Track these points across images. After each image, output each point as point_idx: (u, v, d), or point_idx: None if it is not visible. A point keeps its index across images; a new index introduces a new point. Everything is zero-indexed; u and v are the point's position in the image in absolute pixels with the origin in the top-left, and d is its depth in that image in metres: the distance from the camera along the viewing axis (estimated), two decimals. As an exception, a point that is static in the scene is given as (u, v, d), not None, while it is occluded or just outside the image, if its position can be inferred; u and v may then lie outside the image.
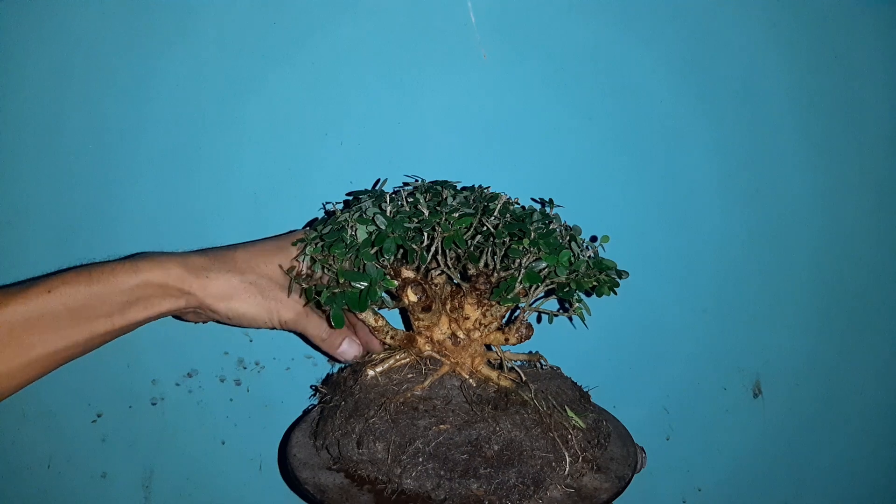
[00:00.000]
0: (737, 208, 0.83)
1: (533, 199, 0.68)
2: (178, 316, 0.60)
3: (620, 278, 0.58)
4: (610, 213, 0.80)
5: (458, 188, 0.64)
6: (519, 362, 0.65)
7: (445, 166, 0.71)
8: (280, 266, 0.59)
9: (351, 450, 0.56)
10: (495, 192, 0.62)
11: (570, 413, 0.57)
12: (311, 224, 0.69)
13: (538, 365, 0.66)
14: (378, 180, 0.66)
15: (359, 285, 0.54)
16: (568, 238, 0.58)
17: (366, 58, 0.72)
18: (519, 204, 0.62)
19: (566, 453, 0.54)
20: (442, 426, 0.54)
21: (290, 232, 0.65)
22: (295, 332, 0.62)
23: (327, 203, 0.65)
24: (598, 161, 0.79)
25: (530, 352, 0.66)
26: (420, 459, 0.53)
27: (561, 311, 0.60)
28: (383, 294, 0.58)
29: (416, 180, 0.65)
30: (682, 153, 0.80)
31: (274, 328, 0.60)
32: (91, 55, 0.68)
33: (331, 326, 0.58)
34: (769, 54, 0.80)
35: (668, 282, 0.83)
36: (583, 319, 0.57)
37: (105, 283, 0.53)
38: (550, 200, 0.62)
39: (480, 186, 0.64)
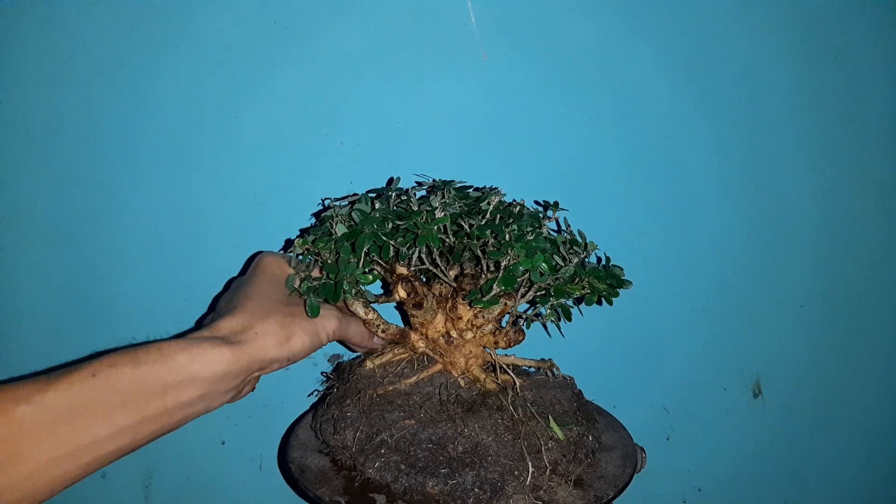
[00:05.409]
0: (737, 208, 0.83)
1: (536, 203, 0.67)
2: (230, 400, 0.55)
3: (622, 287, 0.56)
4: (610, 212, 0.80)
5: (471, 189, 0.63)
6: (532, 369, 0.63)
7: (445, 166, 0.71)
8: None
9: (329, 435, 0.57)
10: (486, 192, 0.61)
11: (551, 424, 0.55)
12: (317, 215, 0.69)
13: (550, 373, 0.63)
14: (391, 178, 0.66)
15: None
16: (562, 241, 0.56)
17: (366, 58, 0.72)
18: (526, 207, 0.61)
19: (529, 463, 0.52)
20: (407, 421, 0.55)
21: (256, 259, 0.61)
22: (336, 341, 0.60)
23: (325, 198, 0.65)
24: (598, 161, 0.79)
25: (542, 359, 0.64)
26: (383, 451, 0.53)
27: (534, 316, 0.58)
28: (366, 287, 0.58)
29: (433, 180, 0.65)
30: (683, 153, 0.80)
31: (320, 347, 0.57)
32: (91, 55, 0.68)
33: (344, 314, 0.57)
34: (769, 54, 0.79)
35: (669, 282, 0.83)
36: (558, 327, 0.56)
37: (153, 363, 0.48)
38: (556, 203, 0.62)
39: (493, 188, 0.64)
